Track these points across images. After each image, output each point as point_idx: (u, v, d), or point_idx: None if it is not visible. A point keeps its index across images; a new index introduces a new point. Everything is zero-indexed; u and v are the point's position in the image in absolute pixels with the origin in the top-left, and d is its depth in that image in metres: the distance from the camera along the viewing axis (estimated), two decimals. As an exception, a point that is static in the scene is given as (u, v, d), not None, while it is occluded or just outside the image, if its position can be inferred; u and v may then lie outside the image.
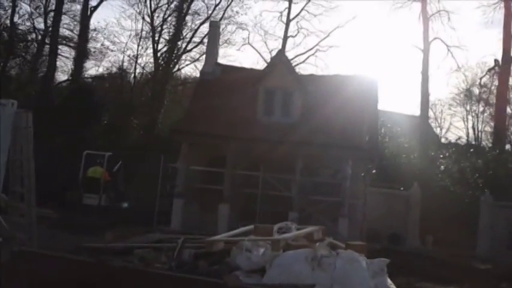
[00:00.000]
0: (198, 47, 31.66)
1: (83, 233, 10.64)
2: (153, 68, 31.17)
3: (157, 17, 31.02)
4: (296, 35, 33.81)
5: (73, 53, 30.67)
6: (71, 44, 30.75)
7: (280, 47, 32.16)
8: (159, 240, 5.95)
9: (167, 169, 17.49)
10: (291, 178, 16.36)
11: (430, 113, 35.67)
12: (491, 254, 16.92)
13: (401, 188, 20.21)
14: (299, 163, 16.33)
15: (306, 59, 34.14)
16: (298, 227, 6.27)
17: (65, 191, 17.70)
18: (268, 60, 28.86)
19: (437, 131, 38.68)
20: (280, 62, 18.42)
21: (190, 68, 41.64)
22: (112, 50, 32.17)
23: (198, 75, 24.00)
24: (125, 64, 31.85)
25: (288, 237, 5.52)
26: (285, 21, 33.52)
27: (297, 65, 32.19)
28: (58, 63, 30.34)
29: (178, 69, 33.46)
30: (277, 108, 17.56)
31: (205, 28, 30.16)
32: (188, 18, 31.23)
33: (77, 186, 17.80)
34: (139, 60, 31.64)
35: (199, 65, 28.64)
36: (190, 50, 32.08)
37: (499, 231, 17.55)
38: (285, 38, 33.39)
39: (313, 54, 33.98)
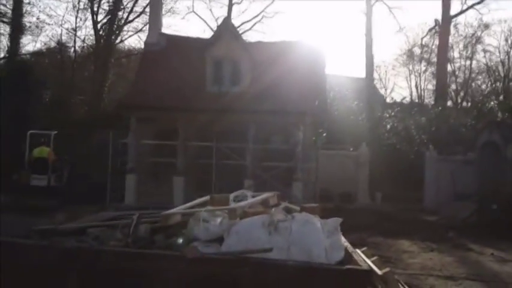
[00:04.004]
0: (141, 17, 30.66)
1: (33, 215, 10.34)
2: (94, 41, 29.93)
3: (95, -14, 29.63)
4: (241, 2, 33.42)
5: (8, 28, 28.86)
6: (5, 20, 28.82)
7: (225, 14, 31.71)
8: (113, 218, 5.85)
9: (117, 145, 17.10)
10: (244, 146, 16.43)
11: (375, 75, 36.54)
12: (437, 206, 17.84)
13: (351, 149, 20.76)
14: (251, 131, 16.40)
15: (253, 26, 33.90)
16: (254, 194, 6.33)
17: (10, 173, 17.01)
18: (215, 29, 28.38)
19: (383, 91, 39.81)
20: (226, 30, 18.14)
21: (134, 39, 40.42)
22: (49, 24, 30.72)
23: (142, 46, 23.32)
24: (64, 38, 30.48)
25: (244, 205, 5.57)
26: (229, -13, 32.92)
27: (244, 32, 31.93)
28: (-7, 40, 28.57)
29: (121, 41, 32.36)
30: (225, 77, 17.41)
31: (146, -3, 29.12)
32: (128, -14, 30.00)
33: (24, 168, 17.14)
34: (78, 33, 30.33)
35: (144, 36, 27.82)
36: (132, 21, 31.03)
37: (444, 184, 18.46)
38: (230, 5, 32.90)
39: (259, 21, 33.77)
